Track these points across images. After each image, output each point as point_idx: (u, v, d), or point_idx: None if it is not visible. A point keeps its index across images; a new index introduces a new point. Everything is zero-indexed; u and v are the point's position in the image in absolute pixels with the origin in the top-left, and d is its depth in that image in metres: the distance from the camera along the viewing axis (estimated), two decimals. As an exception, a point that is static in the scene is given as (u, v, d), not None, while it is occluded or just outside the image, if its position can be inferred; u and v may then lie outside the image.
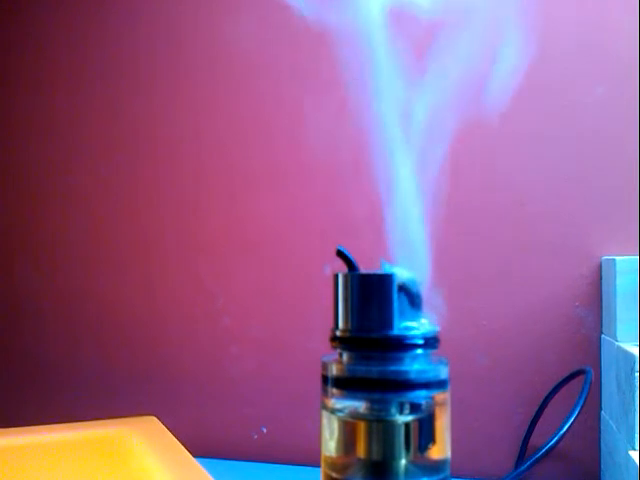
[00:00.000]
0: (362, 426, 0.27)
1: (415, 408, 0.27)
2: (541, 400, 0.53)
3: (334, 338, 0.28)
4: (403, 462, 0.27)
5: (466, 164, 0.57)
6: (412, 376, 0.26)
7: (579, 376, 0.50)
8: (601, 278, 0.53)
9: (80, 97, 0.73)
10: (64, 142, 0.74)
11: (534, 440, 0.53)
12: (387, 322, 0.26)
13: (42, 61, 0.75)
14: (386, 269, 0.28)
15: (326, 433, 0.28)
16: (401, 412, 0.27)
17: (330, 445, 0.28)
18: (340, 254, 0.28)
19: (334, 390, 0.27)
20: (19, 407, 0.74)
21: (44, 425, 0.53)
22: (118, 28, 0.72)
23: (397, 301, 0.26)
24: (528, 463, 0.43)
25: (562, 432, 0.43)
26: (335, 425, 0.28)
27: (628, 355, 0.43)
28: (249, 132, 0.66)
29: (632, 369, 0.41)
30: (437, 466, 0.28)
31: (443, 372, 0.27)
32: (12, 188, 0.77)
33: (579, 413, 0.44)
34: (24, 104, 0.76)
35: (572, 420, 0.43)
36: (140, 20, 0.71)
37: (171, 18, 0.69)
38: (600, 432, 0.53)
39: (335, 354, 0.28)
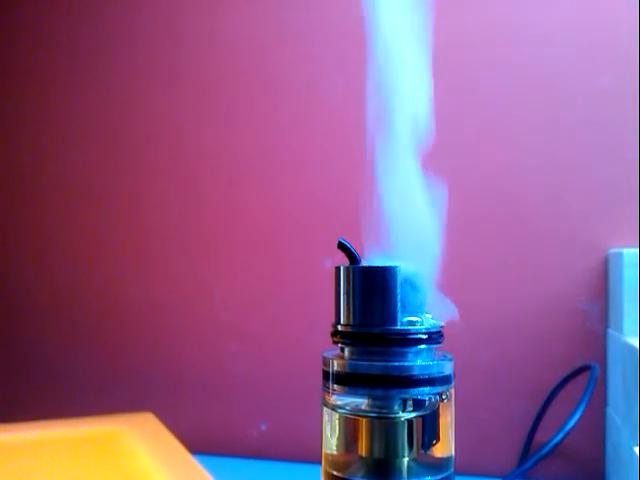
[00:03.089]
0: (364, 423, 0.26)
1: (418, 405, 0.26)
2: (546, 396, 0.53)
3: (335, 333, 0.27)
4: (406, 460, 0.26)
5: (468, 155, 0.56)
6: (415, 372, 0.26)
7: (584, 372, 0.49)
8: (607, 271, 0.53)
9: (77, 86, 0.72)
10: (61, 133, 0.73)
11: (538, 437, 0.53)
12: (390, 316, 0.26)
13: (38, 51, 0.74)
14: (389, 262, 0.27)
15: (327, 430, 0.28)
16: (404, 409, 0.26)
17: (331, 442, 0.28)
18: (341, 246, 0.27)
19: (335, 386, 0.27)
20: (11, 403, 0.73)
21: (38, 421, 0.53)
22: (117, 16, 0.71)
23: (400, 295, 0.26)
24: (532, 460, 0.42)
25: (567, 429, 0.42)
26: (336, 422, 0.27)
27: (634, 350, 0.42)
28: (250, 124, 0.65)
29: (637, 364, 0.41)
30: (441, 464, 0.27)
31: (447, 368, 0.27)
32: (8, 182, 0.76)
33: (584, 410, 0.43)
34: (19, 96, 0.75)
35: (577, 417, 0.42)
36: (139, 7, 0.70)
37: (172, 4, 0.68)
38: (605, 428, 0.52)
39: (336, 349, 0.28)
